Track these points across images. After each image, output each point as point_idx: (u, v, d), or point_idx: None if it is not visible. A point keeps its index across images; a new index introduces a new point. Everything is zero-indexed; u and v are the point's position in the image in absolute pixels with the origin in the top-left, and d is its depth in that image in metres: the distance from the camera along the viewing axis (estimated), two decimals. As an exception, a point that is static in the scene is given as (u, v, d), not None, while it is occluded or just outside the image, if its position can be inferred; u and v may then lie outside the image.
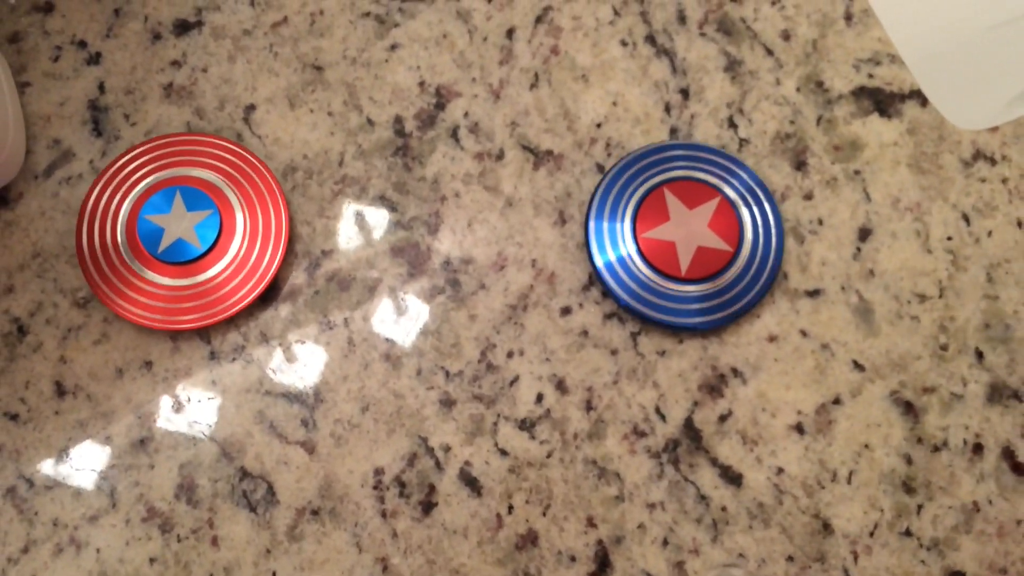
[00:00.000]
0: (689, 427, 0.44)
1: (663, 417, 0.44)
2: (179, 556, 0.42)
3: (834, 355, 0.45)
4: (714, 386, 0.45)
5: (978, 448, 0.44)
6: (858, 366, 0.45)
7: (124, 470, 0.43)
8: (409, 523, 0.43)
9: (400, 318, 0.45)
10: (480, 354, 0.45)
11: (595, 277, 0.46)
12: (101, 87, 0.48)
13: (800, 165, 0.47)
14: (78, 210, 0.46)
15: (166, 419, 0.44)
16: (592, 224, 0.46)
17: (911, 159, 0.47)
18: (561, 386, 0.45)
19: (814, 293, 0.46)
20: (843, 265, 0.46)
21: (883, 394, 0.44)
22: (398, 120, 0.48)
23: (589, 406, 0.44)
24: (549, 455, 0.44)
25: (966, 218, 0.47)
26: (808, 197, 0.47)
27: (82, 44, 0.49)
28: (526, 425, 0.44)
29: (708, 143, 0.47)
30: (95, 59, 0.49)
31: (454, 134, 0.48)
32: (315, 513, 0.43)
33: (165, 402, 0.44)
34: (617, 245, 0.45)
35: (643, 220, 0.45)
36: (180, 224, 0.44)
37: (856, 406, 0.44)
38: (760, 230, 0.45)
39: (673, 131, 0.48)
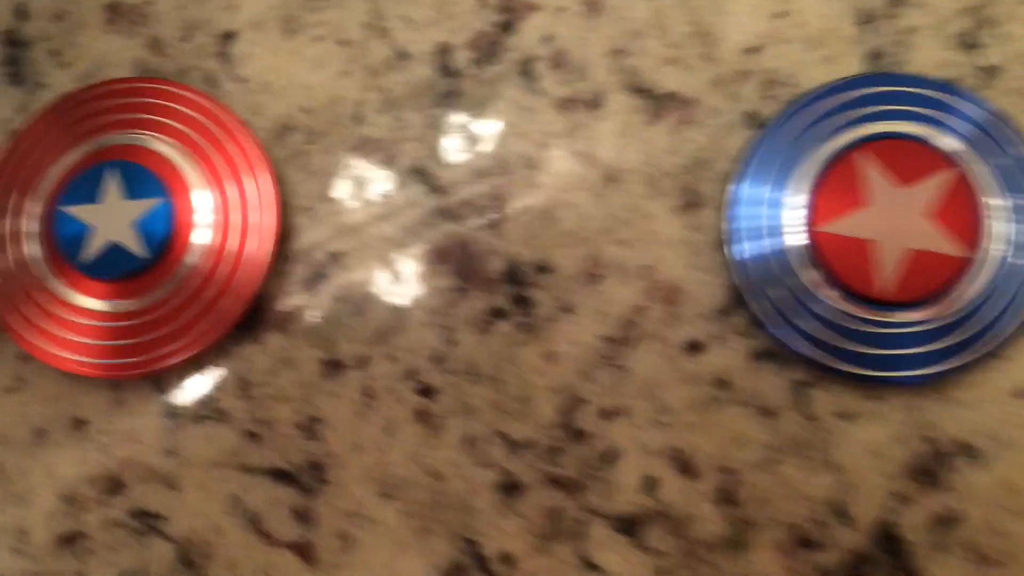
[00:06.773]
0: (886, 536, 0.35)
1: (845, 518, 0.35)
2: None
3: None
4: (930, 470, 0.36)
5: None
6: None
7: (45, 579, 0.38)
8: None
9: (442, 356, 0.37)
10: (560, 413, 0.37)
11: (740, 294, 0.37)
12: (22, 11, 0.41)
13: (1087, 111, 0.36)
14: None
15: (104, 505, 0.38)
16: (739, 210, 0.38)
17: None
18: (684, 466, 0.36)
19: (1104, 326, 0.35)
20: None
21: None
22: (443, 50, 0.40)
23: (727, 498, 0.36)
24: (663, 574, 0.35)
25: None
26: (1100, 166, 0.35)
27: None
28: (629, 526, 0.36)
29: (932, 76, 0.37)
30: (16, -29, 0.42)
31: (527, 70, 0.39)
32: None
33: (102, 480, 0.38)
34: (778, 244, 0.37)
35: (823, 204, 0.37)
36: (114, 219, 0.37)
37: None
38: (1016, 224, 0.36)
39: (874, 56, 0.38)
